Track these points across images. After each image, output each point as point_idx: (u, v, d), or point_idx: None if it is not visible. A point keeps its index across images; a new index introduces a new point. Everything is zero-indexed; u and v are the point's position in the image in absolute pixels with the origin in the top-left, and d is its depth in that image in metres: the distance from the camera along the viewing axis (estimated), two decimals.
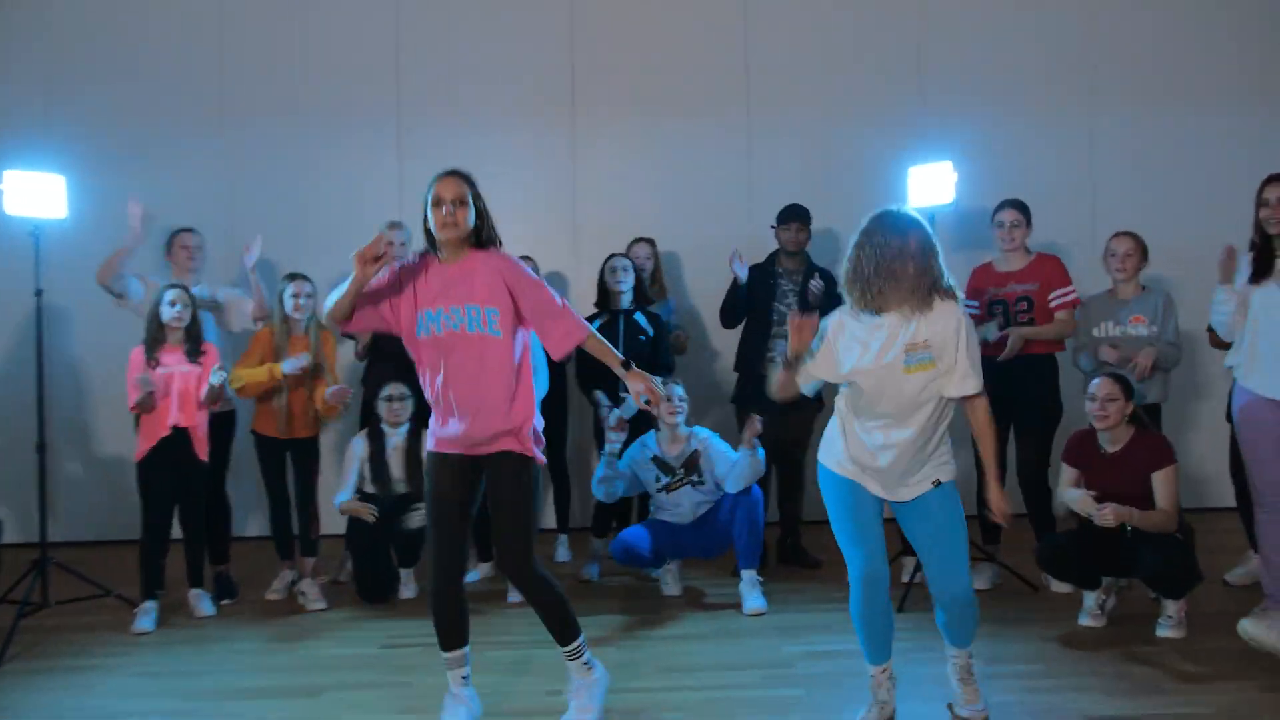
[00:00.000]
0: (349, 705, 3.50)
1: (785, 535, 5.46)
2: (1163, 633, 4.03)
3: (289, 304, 4.93)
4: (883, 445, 3.05)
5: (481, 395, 3.12)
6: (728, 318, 5.46)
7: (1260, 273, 3.97)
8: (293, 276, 5.00)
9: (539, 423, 3.29)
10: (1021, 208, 4.88)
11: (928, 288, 2.96)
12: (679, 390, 4.81)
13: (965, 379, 3.00)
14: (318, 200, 6.38)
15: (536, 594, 3.22)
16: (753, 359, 5.29)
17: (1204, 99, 6.55)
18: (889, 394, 3.02)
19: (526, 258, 5.78)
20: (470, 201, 3.20)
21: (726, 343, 5.86)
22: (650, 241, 5.87)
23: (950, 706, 3.30)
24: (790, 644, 4.07)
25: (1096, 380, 4.22)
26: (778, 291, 5.30)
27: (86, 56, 6.38)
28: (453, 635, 3.24)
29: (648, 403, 3.17)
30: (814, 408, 5.27)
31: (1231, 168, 6.08)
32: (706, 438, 4.83)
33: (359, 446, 5.09)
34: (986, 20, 6.59)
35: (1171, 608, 4.05)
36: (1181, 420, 6.26)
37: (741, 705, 3.42)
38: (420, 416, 5.06)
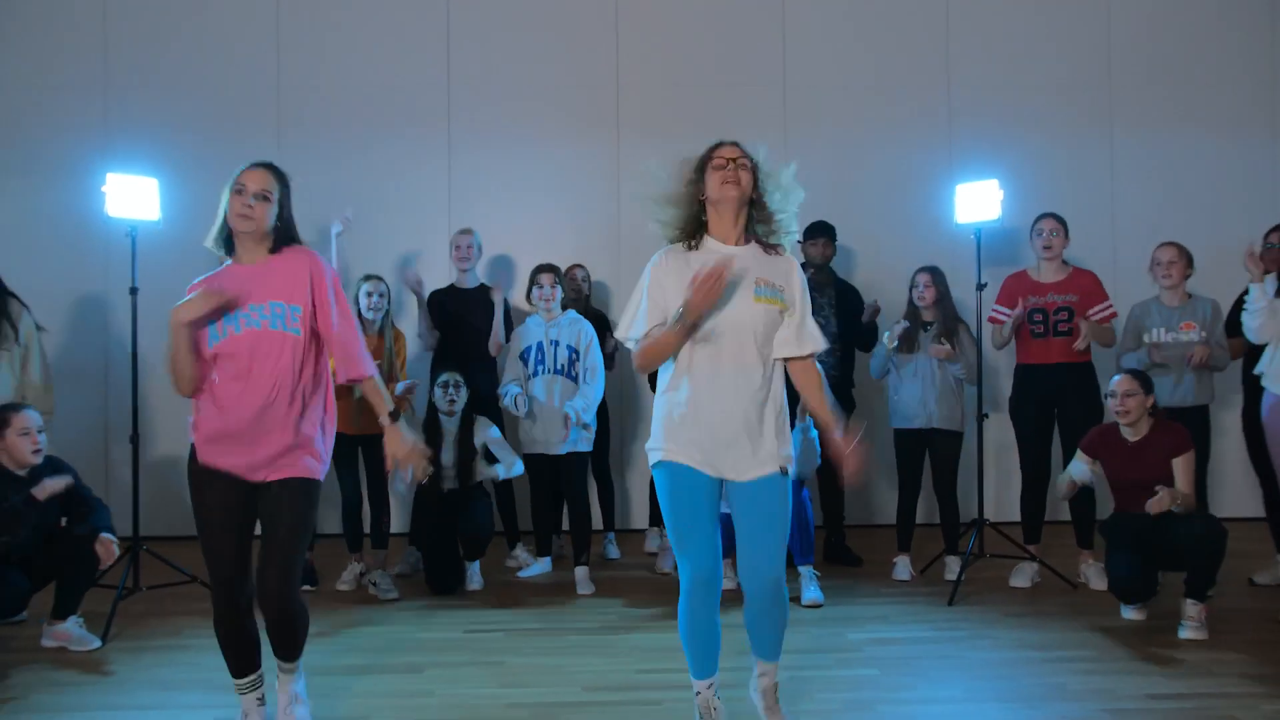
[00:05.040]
0: (453, 680, 3.73)
1: (830, 535, 5.71)
2: (1184, 634, 4.19)
3: (363, 304, 5.17)
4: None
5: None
6: None
7: None
8: (368, 277, 5.25)
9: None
10: (1060, 219, 5.17)
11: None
12: None
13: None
14: (372, 206, 6.51)
15: (296, 619, 3.07)
16: None
17: (1216, 123, 6.88)
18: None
19: (578, 265, 6.05)
20: (275, 199, 3.05)
21: None
22: None
23: None
24: (853, 632, 4.31)
25: (1116, 377, 4.54)
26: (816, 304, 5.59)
27: (147, 67, 6.67)
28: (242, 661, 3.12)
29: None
30: (850, 408, 5.61)
31: (1242, 187, 6.43)
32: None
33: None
34: (1009, 43, 6.92)
35: (1192, 609, 4.24)
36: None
37: (820, 684, 3.65)
38: (474, 407, 5.31)
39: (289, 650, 3.12)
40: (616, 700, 3.50)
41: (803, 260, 5.65)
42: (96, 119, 6.62)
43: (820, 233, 5.68)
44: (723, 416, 2.86)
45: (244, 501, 3.02)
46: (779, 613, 3.00)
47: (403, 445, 3.02)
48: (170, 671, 3.90)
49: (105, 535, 4.13)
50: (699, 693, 3.08)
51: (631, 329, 2.97)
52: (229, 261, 3.09)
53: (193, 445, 3.04)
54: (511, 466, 5.31)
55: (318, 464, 3.09)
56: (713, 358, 2.87)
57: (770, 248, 2.99)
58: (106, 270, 6.31)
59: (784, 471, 2.91)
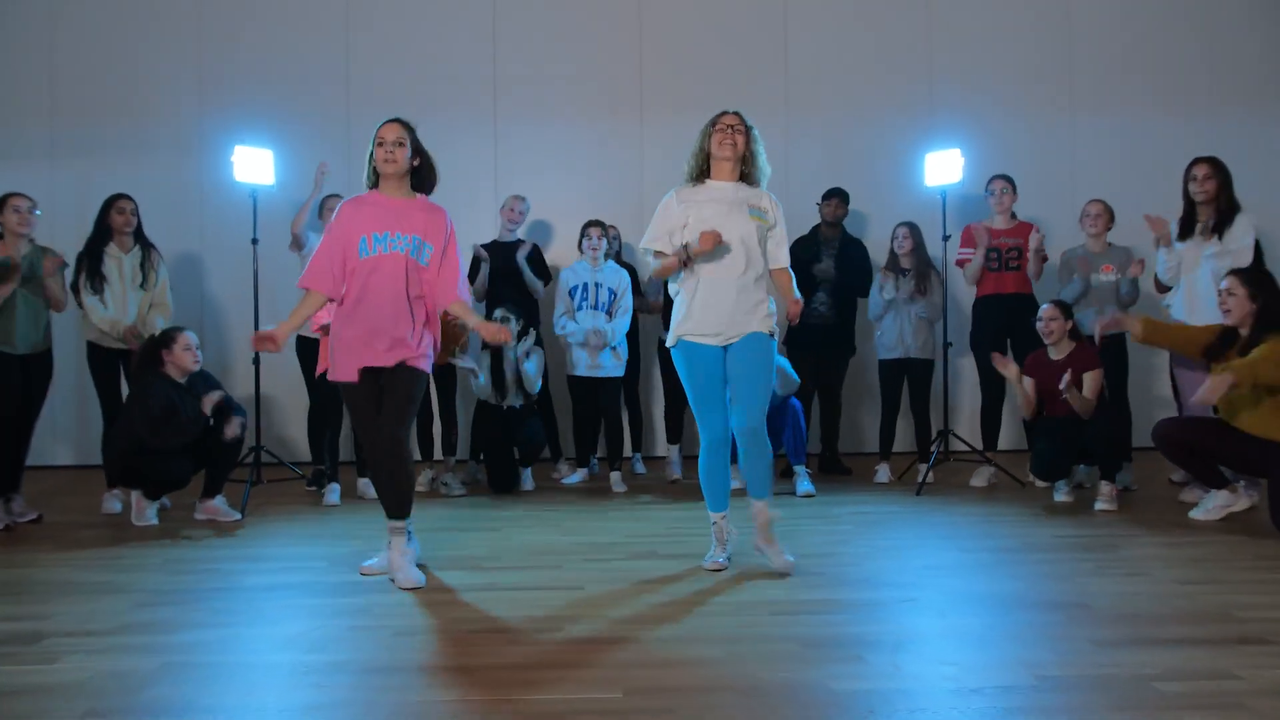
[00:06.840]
0: (525, 533, 4.86)
1: (825, 451, 6.80)
2: (1098, 507, 5.29)
3: None
4: None
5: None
6: None
7: (1185, 232, 5.36)
8: None
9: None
10: (1008, 179, 6.24)
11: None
12: None
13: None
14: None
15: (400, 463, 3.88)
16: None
17: (1162, 100, 7.96)
18: None
19: (611, 225, 7.09)
20: (409, 144, 3.81)
21: None
22: None
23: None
24: (837, 509, 5.41)
25: (1044, 306, 5.64)
26: (822, 254, 6.65)
27: (236, 57, 7.78)
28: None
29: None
30: (849, 351, 6.67)
31: (1183, 154, 7.45)
32: None
33: (485, 358, 6.38)
34: (986, 31, 7.98)
35: (1105, 488, 5.35)
36: (1145, 372, 7.55)
37: (807, 532, 4.74)
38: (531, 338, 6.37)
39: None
40: (653, 540, 4.60)
41: (818, 222, 6.74)
42: (191, 99, 7.70)
43: (834, 194, 6.73)
44: (726, 299, 3.90)
45: (374, 381, 3.93)
46: (761, 451, 3.95)
47: (491, 327, 3.99)
48: (302, 528, 5.06)
49: (236, 416, 5.25)
50: (715, 522, 4.13)
51: (645, 240, 4.07)
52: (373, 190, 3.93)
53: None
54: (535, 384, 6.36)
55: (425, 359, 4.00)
56: (719, 259, 3.92)
57: (754, 185, 4.05)
58: (202, 232, 7.43)
59: (771, 335, 3.96)
